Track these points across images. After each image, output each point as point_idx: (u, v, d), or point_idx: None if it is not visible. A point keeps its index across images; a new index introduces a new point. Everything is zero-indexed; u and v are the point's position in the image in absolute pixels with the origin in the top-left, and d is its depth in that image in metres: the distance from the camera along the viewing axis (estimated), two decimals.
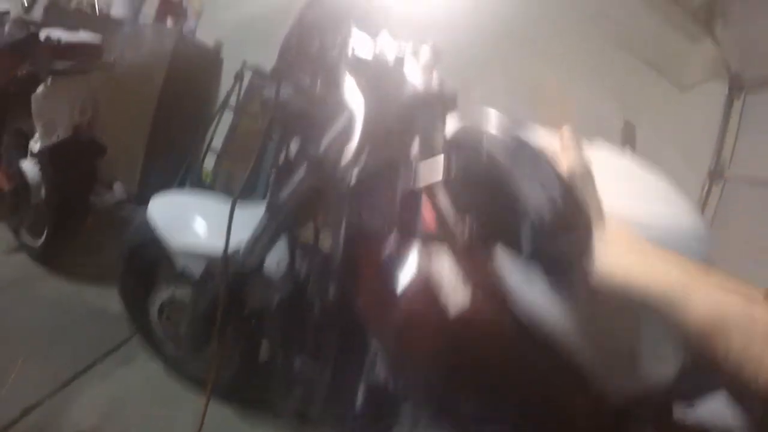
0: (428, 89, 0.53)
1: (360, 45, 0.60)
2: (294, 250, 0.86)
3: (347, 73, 0.57)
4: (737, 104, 2.44)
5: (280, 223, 0.80)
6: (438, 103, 0.54)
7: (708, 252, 0.91)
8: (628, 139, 2.29)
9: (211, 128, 2.18)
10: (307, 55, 0.75)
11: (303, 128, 0.73)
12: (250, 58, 2.30)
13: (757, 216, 2.27)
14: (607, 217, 0.51)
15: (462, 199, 0.43)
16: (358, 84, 0.57)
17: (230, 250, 0.94)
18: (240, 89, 2.25)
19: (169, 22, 2.66)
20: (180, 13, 2.71)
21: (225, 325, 1.04)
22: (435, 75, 0.59)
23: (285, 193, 0.77)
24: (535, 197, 0.33)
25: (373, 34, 0.70)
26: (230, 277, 0.99)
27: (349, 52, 0.57)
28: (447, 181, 0.43)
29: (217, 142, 2.33)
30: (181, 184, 2.10)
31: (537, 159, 0.35)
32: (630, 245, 0.48)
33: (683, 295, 0.42)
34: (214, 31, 2.59)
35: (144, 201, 1.32)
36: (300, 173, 0.73)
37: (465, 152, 0.42)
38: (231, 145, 2.22)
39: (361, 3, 0.74)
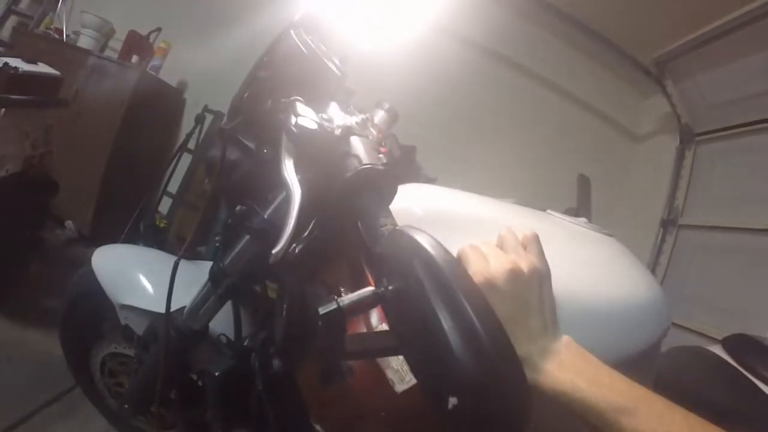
0: (372, 166, 0.52)
1: (306, 113, 0.58)
2: (238, 319, 0.82)
3: (290, 142, 0.55)
4: (688, 154, 2.57)
5: (223, 291, 0.76)
6: (382, 179, 0.52)
7: (668, 319, 0.92)
8: (583, 192, 2.36)
9: (168, 171, 2.12)
10: (257, 117, 0.73)
11: (247, 195, 0.70)
12: (213, 102, 2.28)
13: (709, 260, 2.36)
14: (558, 326, 0.50)
15: (392, 316, 0.40)
16: (300, 155, 0.55)
17: (177, 307, 0.91)
18: (200, 132, 2.21)
19: (135, 58, 2.63)
20: (146, 50, 2.69)
21: (167, 386, 0.99)
22: (382, 150, 0.58)
23: (227, 261, 0.73)
24: (457, 344, 0.29)
25: (324, 102, 0.70)
26: (174, 338, 0.94)
27: (293, 120, 0.55)
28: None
29: (175, 185, 2.27)
30: (135, 228, 2.02)
31: (462, 287, 0.32)
32: (579, 357, 0.47)
33: (628, 409, 0.41)
34: (180, 72, 2.56)
35: (96, 241, 1.26)
36: (243, 242, 0.70)
37: (394, 265, 0.39)
38: (187, 190, 2.16)
39: (316, 66, 0.73)
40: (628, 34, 2.44)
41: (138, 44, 2.66)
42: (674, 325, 2.23)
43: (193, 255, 1.23)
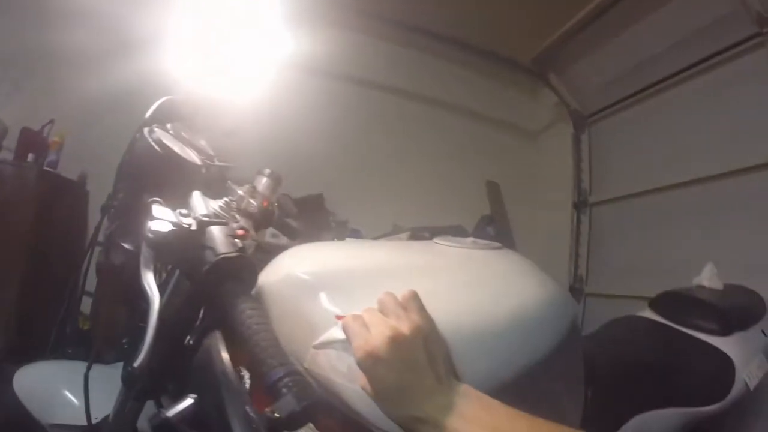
0: (224, 257, 0.54)
1: (161, 214, 0.60)
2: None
3: (147, 248, 0.57)
4: (584, 137, 2.77)
5: (139, 393, 0.75)
6: (237, 267, 0.55)
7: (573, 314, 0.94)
8: (494, 197, 2.47)
9: (83, 268, 2.03)
10: (131, 219, 0.74)
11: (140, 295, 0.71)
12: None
13: (625, 229, 2.52)
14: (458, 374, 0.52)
15: None
16: (162, 258, 0.57)
17: (105, 415, 0.89)
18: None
19: (31, 156, 2.53)
20: (42, 146, 2.59)
21: None
22: (239, 233, 0.61)
23: (136, 363, 0.73)
24: None
25: (187, 194, 0.72)
26: None
27: (147, 226, 0.57)
28: None
29: (93, 282, 2.17)
30: (61, 334, 1.93)
31: None
32: (479, 406, 0.48)
33: None
34: (78, 164, 2.49)
35: (21, 356, 1.22)
36: (146, 341, 0.70)
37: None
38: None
39: (173, 161, 0.75)
40: (503, 39, 2.61)
41: (32, 141, 2.56)
42: (606, 296, 2.37)
43: (117, 356, 1.19)
